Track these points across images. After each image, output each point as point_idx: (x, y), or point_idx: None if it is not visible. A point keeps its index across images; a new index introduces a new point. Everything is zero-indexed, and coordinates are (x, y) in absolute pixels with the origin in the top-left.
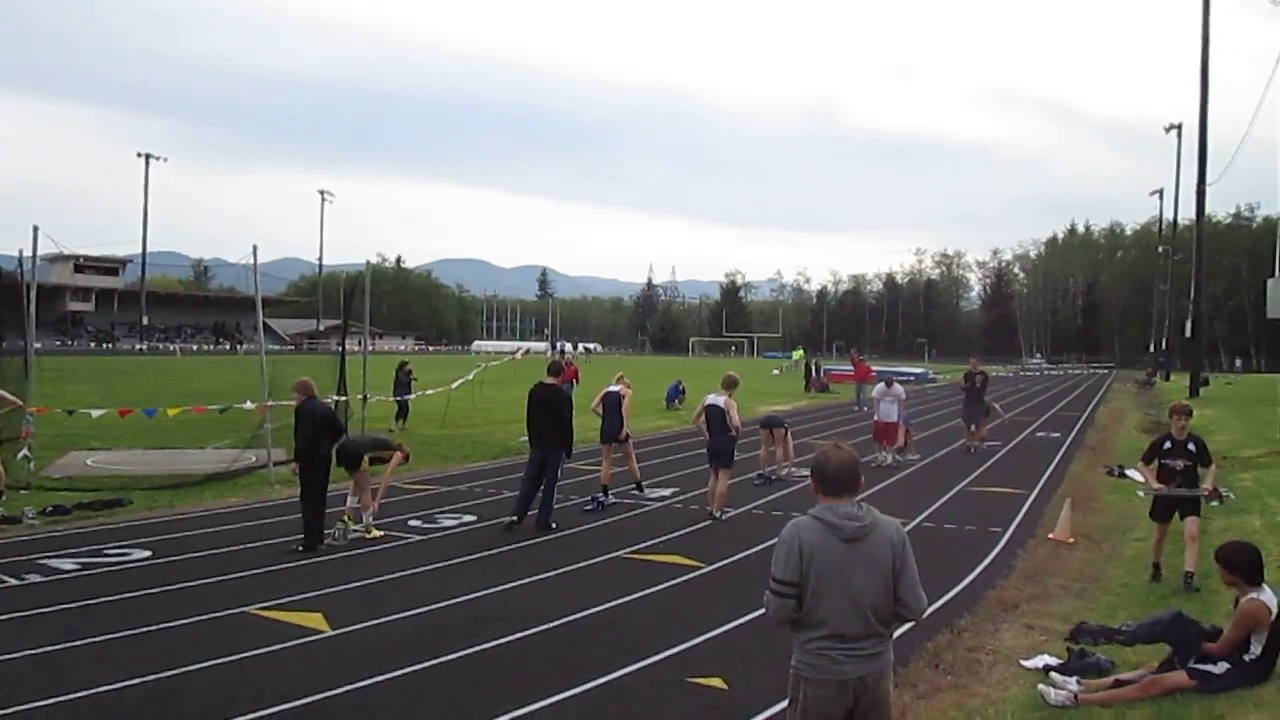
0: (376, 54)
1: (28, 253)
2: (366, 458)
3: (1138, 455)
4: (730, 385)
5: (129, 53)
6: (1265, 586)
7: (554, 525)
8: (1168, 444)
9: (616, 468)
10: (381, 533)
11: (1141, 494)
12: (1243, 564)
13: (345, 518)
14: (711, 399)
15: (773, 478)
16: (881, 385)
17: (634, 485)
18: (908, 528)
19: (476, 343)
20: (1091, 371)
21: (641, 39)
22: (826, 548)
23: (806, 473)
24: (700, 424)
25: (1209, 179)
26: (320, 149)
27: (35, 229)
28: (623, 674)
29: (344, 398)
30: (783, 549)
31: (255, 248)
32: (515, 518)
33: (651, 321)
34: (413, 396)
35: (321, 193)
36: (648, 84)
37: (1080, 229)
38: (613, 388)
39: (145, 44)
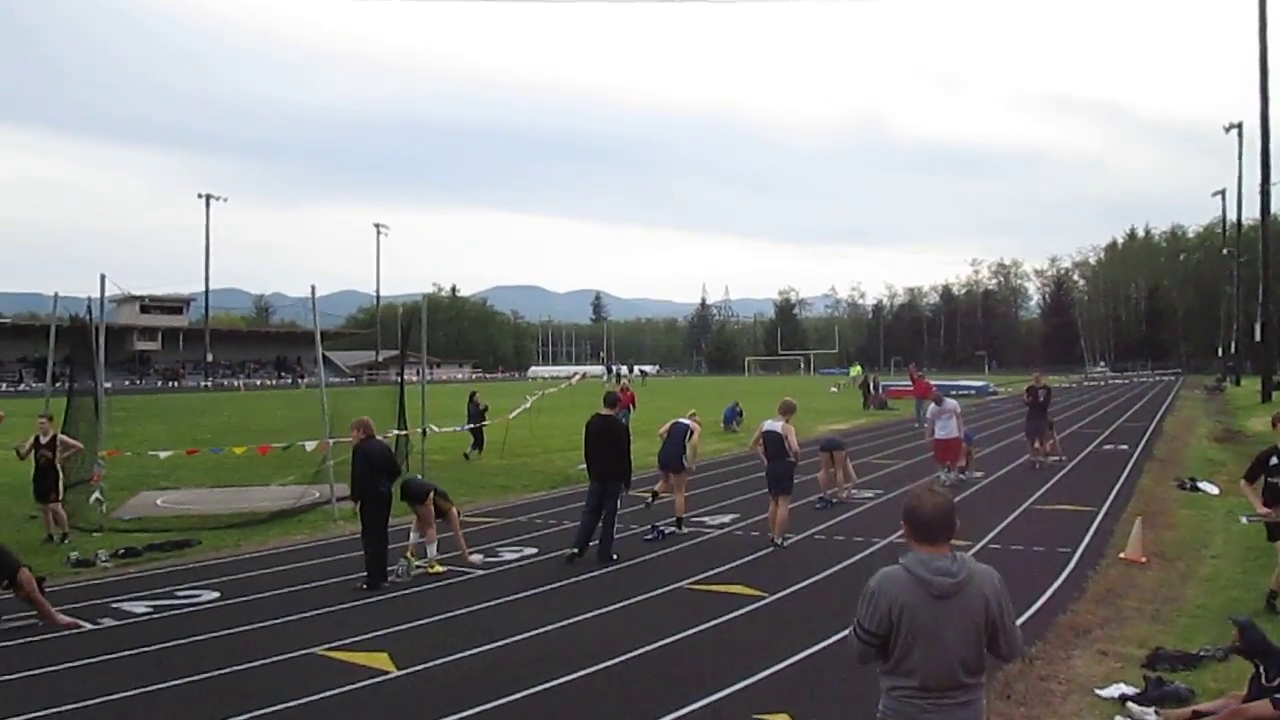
0: (423, 88)
1: (96, 297)
2: (432, 494)
3: (1209, 467)
4: (788, 411)
5: (184, 100)
6: None
7: (615, 557)
8: (1274, 459)
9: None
10: (445, 568)
11: (1245, 520)
12: None
13: (409, 554)
14: (769, 425)
15: (834, 501)
16: (933, 405)
17: (674, 520)
18: (972, 550)
19: (533, 368)
20: (1158, 379)
21: (686, 59)
22: (916, 603)
23: (868, 495)
24: (758, 450)
25: (1273, 178)
26: (374, 183)
27: (102, 277)
28: (689, 710)
29: (404, 431)
30: (869, 600)
31: (314, 287)
32: (576, 550)
33: (706, 342)
34: (486, 425)
35: (377, 226)
36: (694, 103)
37: (1140, 233)
38: (683, 420)
39: (199, 90)
